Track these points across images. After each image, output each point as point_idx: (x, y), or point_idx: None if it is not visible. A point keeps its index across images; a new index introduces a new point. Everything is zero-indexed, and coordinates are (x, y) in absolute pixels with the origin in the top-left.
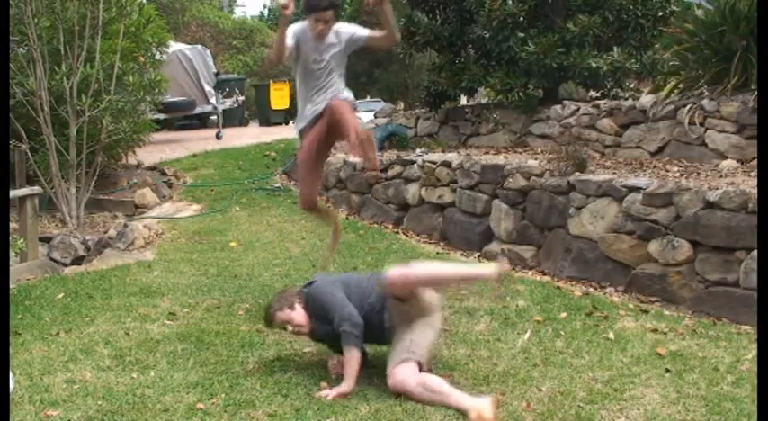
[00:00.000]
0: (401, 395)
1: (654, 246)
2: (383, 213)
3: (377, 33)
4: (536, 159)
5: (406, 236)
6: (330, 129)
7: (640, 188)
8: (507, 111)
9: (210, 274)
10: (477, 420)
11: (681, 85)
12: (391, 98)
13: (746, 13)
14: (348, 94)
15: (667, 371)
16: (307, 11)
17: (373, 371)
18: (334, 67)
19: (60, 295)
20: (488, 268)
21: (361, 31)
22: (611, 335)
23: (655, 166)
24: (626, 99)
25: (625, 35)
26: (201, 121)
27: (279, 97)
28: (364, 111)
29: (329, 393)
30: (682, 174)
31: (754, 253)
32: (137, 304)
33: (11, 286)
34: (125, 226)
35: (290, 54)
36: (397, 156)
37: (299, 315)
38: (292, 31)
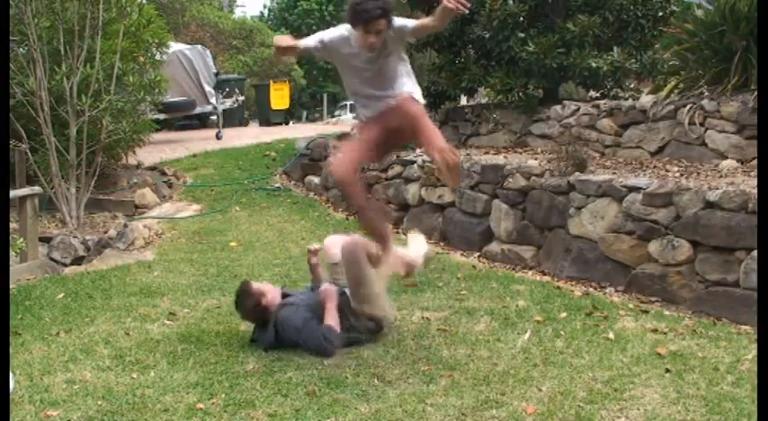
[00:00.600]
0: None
1: (654, 246)
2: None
3: (425, 22)
4: (536, 159)
5: (406, 236)
6: (397, 131)
7: (640, 188)
8: (507, 111)
9: (210, 274)
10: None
11: (681, 85)
12: None
13: (746, 13)
14: (414, 88)
15: (667, 371)
16: (354, 22)
17: (374, 372)
18: (392, 67)
19: (60, 295)
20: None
21: (406, 22)
22: (611, 335)
23: (655, 166)
24: (626, 99)
25: (625, 35)
26: (201, 121)
27: (279, 97)
28: None
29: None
30: (682, 174)
31: (754, 253)
32: (137, 304)
33: (11, 286)
34: (125, 226)
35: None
36: (397, 156)
37: (273, 290)
38: (324, 37)
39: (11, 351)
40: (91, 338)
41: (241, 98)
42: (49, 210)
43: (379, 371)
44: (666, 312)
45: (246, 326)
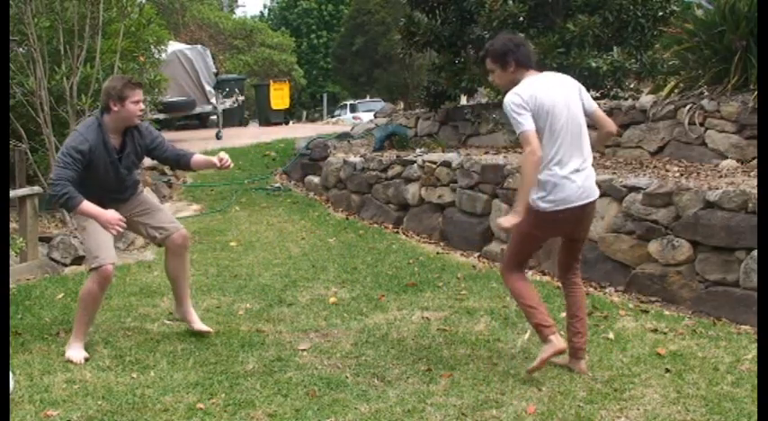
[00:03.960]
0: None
1: (654, 246)
2: (383, 213)
3: None
4: None
5: (406, 236)
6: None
7: (640, 188)
8: None
9: (210, 274)
10: None
11: (681, 85)
12: (391, 98)
13: (746, 13)
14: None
15: (667, 371)
16: None
17: (374, 372)
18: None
19: (60, 295)
20: None
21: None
22: (611, 336)
23: (655, 166)
24: (626, 99)
25: (625, 35)
26: (201, 121)
27: (279, 97)
28: (364, 112)
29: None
30: (682, 174)
31: (754, 253)
32: (137, 304)
33: (11, 286)
34: None
35: None
36: (397, 156)
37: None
38: None
39: (11, 351)
40: (91, 338)
41: (241, 98)
42: (49, 210)
43: (379, 371)
44: (666, 312)
45: (247, 326)
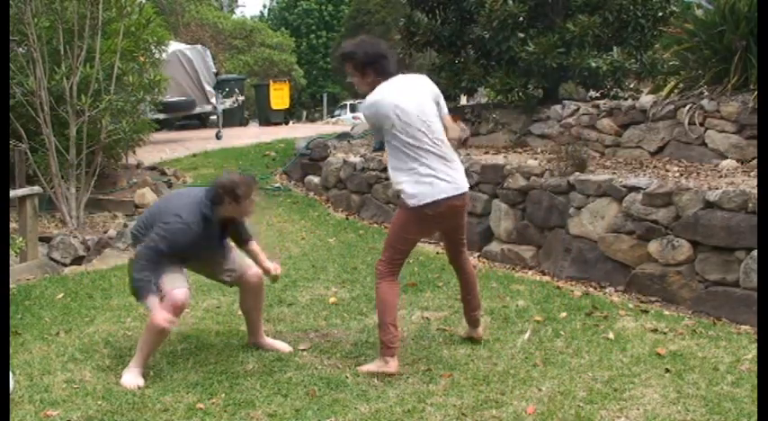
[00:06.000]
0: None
1: (654, 246)
2: (383, 213)
3: None
4: (536, 159)
5: None
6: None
7: (640, 188)
8: (507, 111)
9: None
10: None
11: (681, 85)
12: None
13: (746, 13)
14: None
15: (667, 371)
16: None
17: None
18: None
19: (60, 295)
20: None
21: None
22: (611, 336)
23: (655, 166)
24: (626, 99)
25: (625, 35)
26: (201, 121)
27: (278, 97)
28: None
29: None
30: (682, 174)
31: (754, 253)
32: (137, 304)
33: (11, 286)
34: (125, 226)
35: None
36: None
37: None
38: None
39: (11, 351)
40: (91, 338)
41: (241, 98)
42: (49, 210)
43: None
44: (666, 312)
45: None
